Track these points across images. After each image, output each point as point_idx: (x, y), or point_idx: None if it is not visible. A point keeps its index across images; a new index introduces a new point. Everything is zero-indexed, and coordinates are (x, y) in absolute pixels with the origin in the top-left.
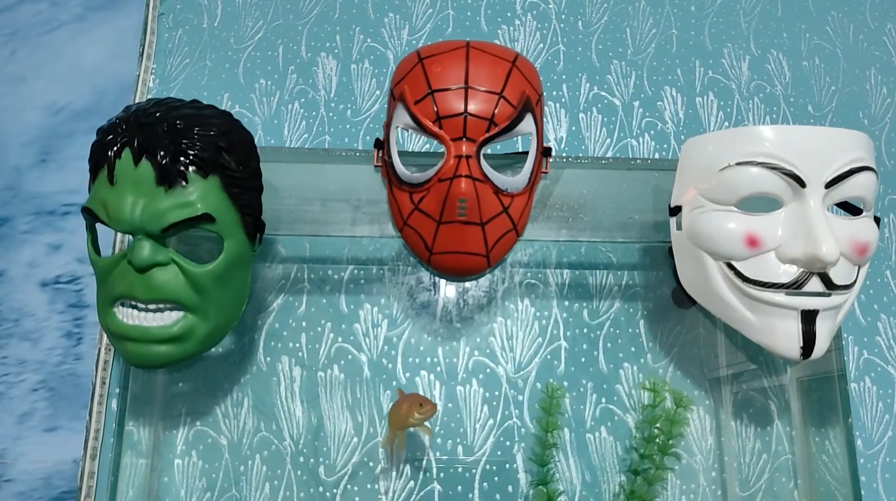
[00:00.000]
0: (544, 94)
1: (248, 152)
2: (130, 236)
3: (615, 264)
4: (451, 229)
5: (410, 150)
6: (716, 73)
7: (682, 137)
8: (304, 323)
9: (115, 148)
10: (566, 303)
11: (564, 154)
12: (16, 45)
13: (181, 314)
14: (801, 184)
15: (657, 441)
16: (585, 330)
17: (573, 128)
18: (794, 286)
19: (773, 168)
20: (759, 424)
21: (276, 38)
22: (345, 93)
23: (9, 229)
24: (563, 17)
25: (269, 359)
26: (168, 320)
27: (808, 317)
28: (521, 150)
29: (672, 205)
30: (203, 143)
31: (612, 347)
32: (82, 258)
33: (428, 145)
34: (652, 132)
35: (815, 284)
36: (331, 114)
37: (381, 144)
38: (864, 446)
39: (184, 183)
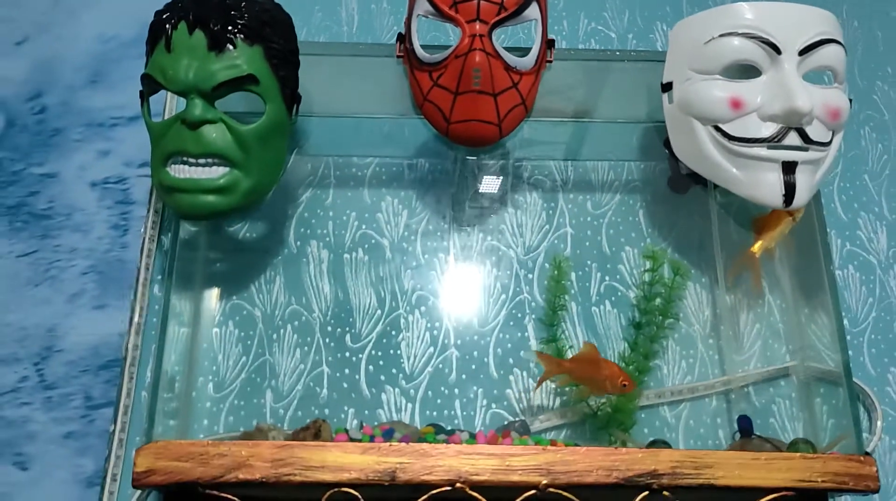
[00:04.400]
0: None
1: (288, 30)
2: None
3: (616, 162)
4: (466, 99)
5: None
6: None
7: None
8: (330, 213)
9: (173, 21)
10: (571, 195)
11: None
12: None
13: (227, 169)
14: (777, 51)
15: (657, 302)
16: (589, 219)
17: None
18: (775, 140)
19: (752, 37)
20: (752, 298)
21: None
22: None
23: (62, 138)
24: None
25: (299, 243)
26: (215, 173)
27: (788, 168)
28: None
29: (664, 82)
30: (250, 15)
31: (615, 233)
32: (129, 163)
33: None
34: None
35: (793, 138)
36: None
37: (403, 38)
38: (850, 325)
39: (232, 48)
